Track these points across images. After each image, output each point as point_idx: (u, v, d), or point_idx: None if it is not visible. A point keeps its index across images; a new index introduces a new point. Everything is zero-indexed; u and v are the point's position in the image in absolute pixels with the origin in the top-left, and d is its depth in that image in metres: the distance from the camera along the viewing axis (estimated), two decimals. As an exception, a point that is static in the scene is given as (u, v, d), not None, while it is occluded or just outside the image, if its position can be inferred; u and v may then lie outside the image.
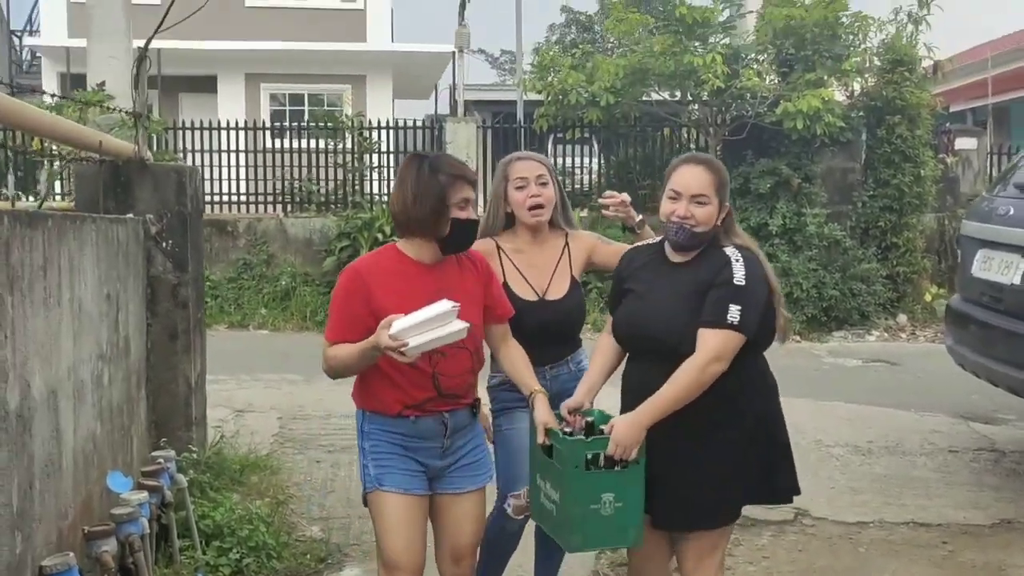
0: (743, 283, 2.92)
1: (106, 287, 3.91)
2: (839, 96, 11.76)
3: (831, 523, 5.03)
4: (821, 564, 4.54)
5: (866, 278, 11.28)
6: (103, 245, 3.89)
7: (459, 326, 2.78)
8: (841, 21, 11.16)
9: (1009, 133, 15.93)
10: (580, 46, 13.40)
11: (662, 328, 2.97)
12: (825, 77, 11.09)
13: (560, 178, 14.54)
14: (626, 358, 3.19)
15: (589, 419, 3.06)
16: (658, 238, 3.23)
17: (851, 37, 11.33)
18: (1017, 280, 5.21)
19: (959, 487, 5.63)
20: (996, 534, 4.94)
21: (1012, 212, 5.40)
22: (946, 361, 6.29)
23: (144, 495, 3.68)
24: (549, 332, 3.43)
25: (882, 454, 6.23)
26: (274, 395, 7.60)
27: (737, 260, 2.96)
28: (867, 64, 11.51)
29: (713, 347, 2.87)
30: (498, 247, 3.48)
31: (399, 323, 2.72)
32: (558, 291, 3.47)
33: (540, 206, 3.43)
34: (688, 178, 2.99)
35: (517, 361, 3.20)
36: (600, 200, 3.42)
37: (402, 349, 2.70)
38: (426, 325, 2.73)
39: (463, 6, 16.38)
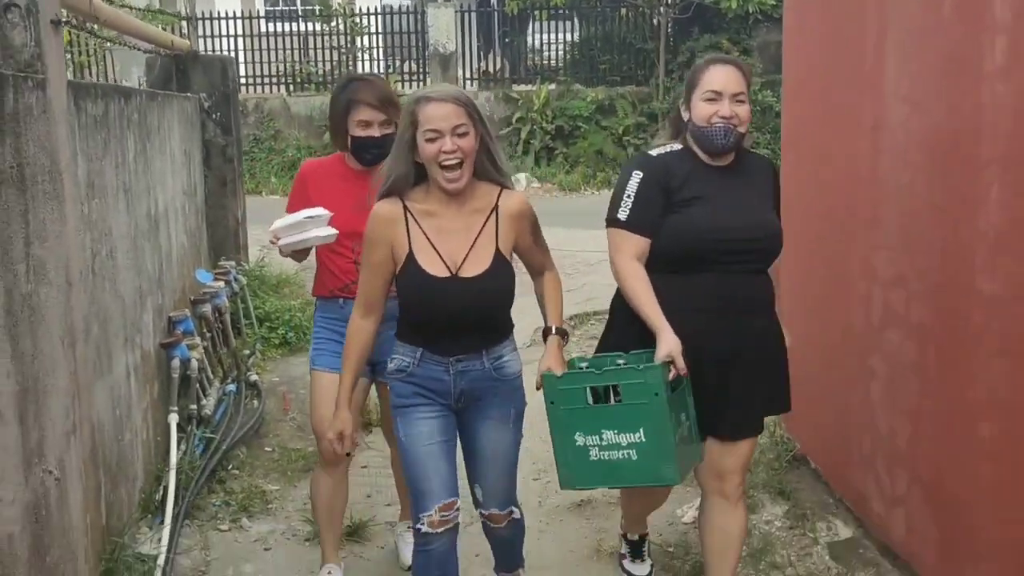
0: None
1: (184, 144, 5.61)
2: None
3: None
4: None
5: (797, 139, 12.87)
6: (180, 114, 5.57)
7: (327, 232, 3.10)
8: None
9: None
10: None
11: (762, 230, 2.85)
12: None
13: (529, 55, 16.13)
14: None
15: (620, 362, 2.84)
16: (668, 147, 2.93)
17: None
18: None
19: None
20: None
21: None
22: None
23: (222, 284, 5.49)
24: (463, 318, 2.74)
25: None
26: (293, 239, 9.33)
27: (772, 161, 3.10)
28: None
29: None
30: (405, 209, 2.73)
31: (279, 221, 3.12)
32: (475, 267, 2.71)
33: (459, 164, 2.65)
34: (724, 78, 2.78)
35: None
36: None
37: (274, 243, 3.15)
38: (300, 226, 3.08)
39: None
